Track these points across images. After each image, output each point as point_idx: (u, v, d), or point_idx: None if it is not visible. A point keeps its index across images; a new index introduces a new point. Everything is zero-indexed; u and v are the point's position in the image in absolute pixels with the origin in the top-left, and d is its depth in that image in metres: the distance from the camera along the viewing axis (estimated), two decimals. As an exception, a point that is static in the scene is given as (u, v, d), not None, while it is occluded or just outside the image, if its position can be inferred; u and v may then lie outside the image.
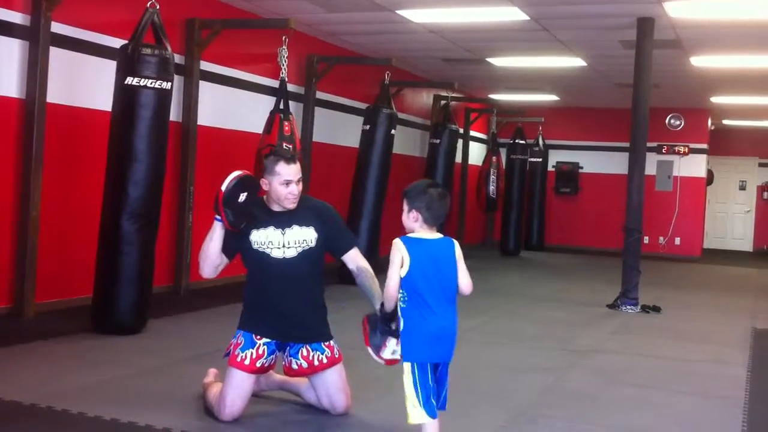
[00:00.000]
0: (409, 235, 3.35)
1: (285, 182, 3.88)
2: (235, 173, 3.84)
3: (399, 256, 3.26)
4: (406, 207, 3.37)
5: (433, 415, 3.24)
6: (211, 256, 3.94)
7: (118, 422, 3.77)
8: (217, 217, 3.85)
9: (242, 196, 3.82)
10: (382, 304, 3.37)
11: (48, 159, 6.26)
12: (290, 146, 7.30)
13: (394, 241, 3.32)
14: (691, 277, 12.16)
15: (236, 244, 3.96)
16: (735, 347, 6.49)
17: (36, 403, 3.98)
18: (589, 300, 8.69)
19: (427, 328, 3.25)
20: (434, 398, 3.27)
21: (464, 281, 3.36)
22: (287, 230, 3.93)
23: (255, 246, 3.92)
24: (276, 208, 3.96)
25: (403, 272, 3.25)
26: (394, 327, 3.35)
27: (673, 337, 6.89)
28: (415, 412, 3.24)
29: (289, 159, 3.94)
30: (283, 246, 3.91)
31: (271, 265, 3.91)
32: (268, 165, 3.93)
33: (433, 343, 3.26)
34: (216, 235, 3.91)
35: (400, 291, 3.28)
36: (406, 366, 3.27)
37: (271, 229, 3.91)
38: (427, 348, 3.25)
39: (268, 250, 3.91)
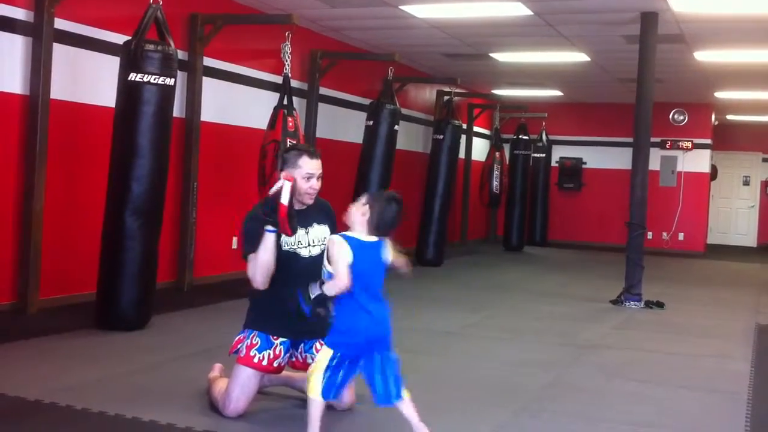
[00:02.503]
0: (348, 234, 3.43)
1: (307, 176, 3.87)
2: (287, 183, 3.69)
3: (345, 252, 3.36)
4: (363, 200, 3.47)
5: (326, 397, 3.42)
6: (271, 267, 3.80)
7: (122, 418, 3.78)
8: (271, 228, 3.72)
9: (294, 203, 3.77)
10: (322, 283, 3.42)
11: (51, 155, 6.27)
12: (294, 142, 7.30)
13: (334, 238, 3.44)
14: (694, 272, 12.15)
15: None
16: (738, 342, 6.49)
17: (40, 399, 3.99)
18: (593, 295, 8.69)
19: (358, 326, 3.40)
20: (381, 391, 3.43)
21: (399, 261, 3.54)
22: (310, 229, 3.95)
23: (285, 247, 3.87)
24: (309, 201, 3.94)
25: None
26: (319, 311, 3.45)
27: (676, 332, 6.89)
28: (315, 388, 3.40)
29: (312, 153, 3.93)
30: (309, 245, 3.92)
31: (300, 265, 3.89)
32: (290, 158, 3.90)
33: (362, 339, 3.41)
34: (271, 246, 3.76)
35: None
36: (328, 351, 3.42)
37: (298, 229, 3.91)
38: (354, 343, 3.41)
39: (298, 250, 3.90)
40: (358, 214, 3.45)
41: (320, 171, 3.93)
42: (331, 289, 3.36)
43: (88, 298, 6.14)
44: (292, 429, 3.76)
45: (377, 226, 3.43)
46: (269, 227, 3.72)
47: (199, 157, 7.84)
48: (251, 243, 3.80)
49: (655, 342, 6.42)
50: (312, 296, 3.41)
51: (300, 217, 3.90)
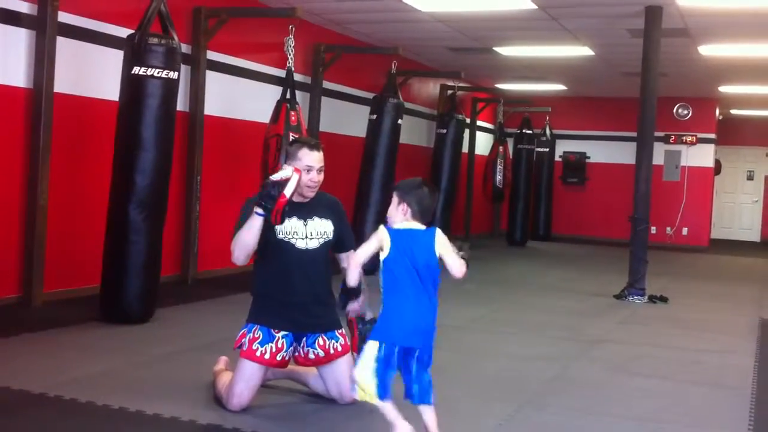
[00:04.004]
0: (404, 226, 3.38)
1: (306, 168, 3.87)
2: (295, 176, 3.71)
3: (377, 240, 3.34)
4: (396, 199, 3.42)
5: (383, 397, 3.28)
6: (251, 247, 3.82)
7: (126, 411, 3.79)
8: (260, 212, 3.73)
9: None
10: (344, 281, 3.43)
11: (55, 149, 6.27)
12: (296, 136, 7.29)
13: (380, 228, 3.37)
14: (698, 267, 12.14)
15: (264, 234, 3.95)
16: (742, 337, 6.49)
17: (45, 393, 4.00)
18: (596, 290, 8.69)
19: (403, 314, 3.31)
20: (413, 386, 3.31)
21: (453, 266, 3.36)
22: (309, 221, 3.95)
23: (280, 236, 3.89)
24: (295, 198, 3.94)
25: (383, 256, 3.32)
26: (352, 305, 3.46)
27: (680, 327, 6.88)
28: (367, 391, 3.28)
29: (313, 146, 3.93)
30: (306, 237, 3.92)
31: (294, 256, 3.90)
32: (291, 151, 3.94)
33: (406, 328, 3.31)
34: (257, 229, 3.78)
35: (381, 278, 3.34)
36: (373, 344, 3.31)
37: (294, 219, 3.90)
38: (399, 331, 3.30)
39: (293, 240, 3.91)
40: (399, 215, 3.39)
41: (321, 164, 3.93)
42: (348, 272, 3.40)
43: (93, 292, 6.15)
44: (296, 423, 3.76)
45: (422, 215, 3.38)
46: (259, 210, 3.73)
47: (203, 150, 7.84)
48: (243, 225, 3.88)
49: (659, 337, 6.41)
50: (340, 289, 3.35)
51: (300, 210, 3.91)
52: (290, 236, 3.91)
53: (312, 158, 3.89)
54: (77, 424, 3.65)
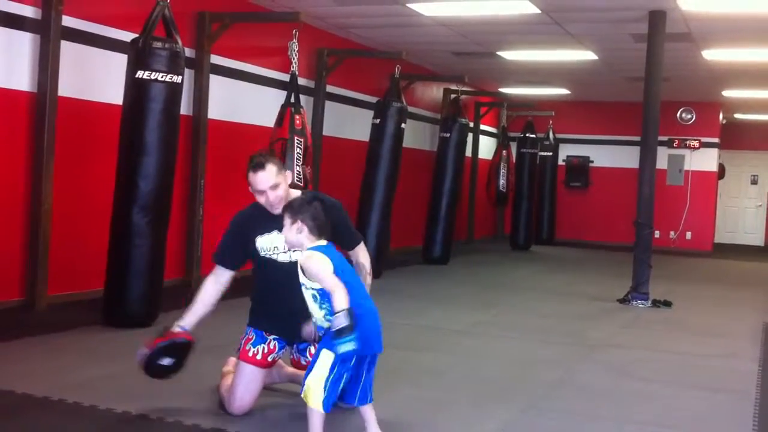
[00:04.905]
0: (313, 246, 3.38)
1: (258, 192, 3.83)
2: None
3: (326, 262, 3.29)
4: (288, 221, 3.39)
5: (326, 409, 3.28)
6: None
7: (129, 415, 3.80)
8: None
9: (166, 360, 3.83)
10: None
11: (59, 152, 6.28)
12: (301, 139, 7.31)
13: (311, 254, 3.32)
14: (701, 271, 12.12)
15: (241, 255, 3.99)
16: (746, 342, 6.47)
17: (48, 396, 4.01)
18: (600, 294, 8.68)
19: (373, 326, 3.34)
20: (360, 392, 3.35)
21: None
22: None
23: (262, 253, 3.91)
24: (277, 211, 3.93)
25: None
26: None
27: (683, 331, 6.87)
28: (315, 398, 3.27)
29: (256, 167, 3.79)
30: (289, 250, 3.85)
31: (279, 270, 3.90)
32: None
33: (368, 334, 3.30)
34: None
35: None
36: (330, 354, 3.26)
37: (275, 234, 3.86)
38: (360, 339, 3.24)
39: (274, 256, 3.90)
40: (295, 234, 3.39)
41: (271, 182, 3.79)
42: (341, 303, 3.21)
43: (96, 295, 6.15)
44: (300, 427, 3.76)
45: (320, 230, 3.39)
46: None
47: (206, 154, 7.85)
48: (221, 250, 3.99)
49: (663, 341, 6.40)
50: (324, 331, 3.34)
51: (279, 222, 3.81)
52: (271, 252, 3.90)
53: (257, 180, 3.79)
54: (80, 428, 3.66)
